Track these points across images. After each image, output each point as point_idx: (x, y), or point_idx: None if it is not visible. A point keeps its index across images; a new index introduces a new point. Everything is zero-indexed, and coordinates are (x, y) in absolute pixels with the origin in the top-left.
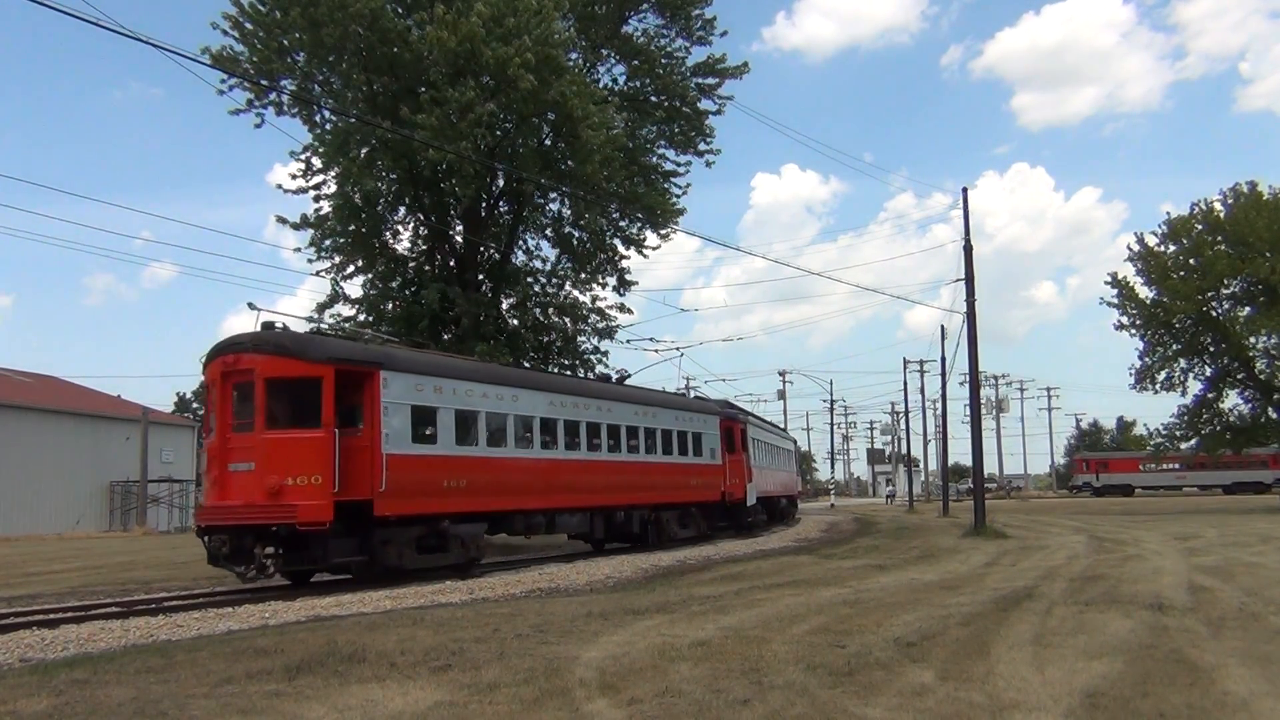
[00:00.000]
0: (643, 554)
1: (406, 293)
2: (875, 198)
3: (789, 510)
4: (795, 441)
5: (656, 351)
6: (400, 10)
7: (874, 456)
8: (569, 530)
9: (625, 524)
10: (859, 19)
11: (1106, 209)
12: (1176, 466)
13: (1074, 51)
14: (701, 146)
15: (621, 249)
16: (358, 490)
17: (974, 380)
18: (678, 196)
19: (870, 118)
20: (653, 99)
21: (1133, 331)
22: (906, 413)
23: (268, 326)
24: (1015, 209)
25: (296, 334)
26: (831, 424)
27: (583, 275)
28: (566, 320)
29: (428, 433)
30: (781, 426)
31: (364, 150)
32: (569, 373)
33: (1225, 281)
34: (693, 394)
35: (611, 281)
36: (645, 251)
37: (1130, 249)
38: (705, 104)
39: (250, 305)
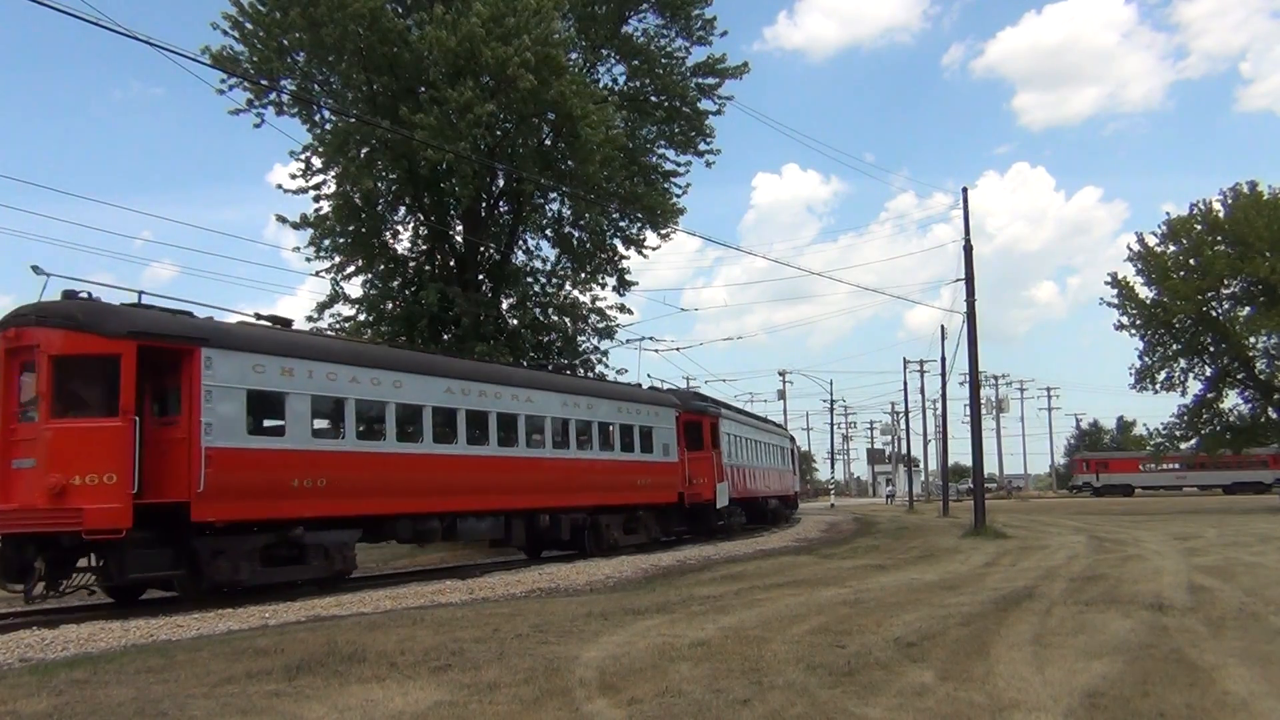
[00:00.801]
0: (642, 554)
1: (406, 293)
2: (876, 197)
3: (782, 512)
4: (793, 439)
5: (656, 351)
6: (400, 10)
7: (874, 456)
8: (477, 536)
9: (553, 529)
10: (860, 18)
11: (1107, 209)
12: (1176, 466)
13: (1075, 51)
14: (701, 146)
15: (621, 249)
16: (171, 491)
17: (974, 380)
18: (678, 196)
19: (872, 117)
20: (653, 99)
21: (1133, 331)
22: (906, 413)
23: (69, 296)
24: (1016, 209)
25: (93, 303)
26: (831, 424)
27: (583, 275)
28: (566, 320)
29: (271, 423)
30: (779, 423)
31: (364, 150)
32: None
33: (1225, 281)
34: (649, 387)
35: (612, 281)
36: (645, 251)
37: (1130, 249)
38: (705, 104)
39: (35, 269)
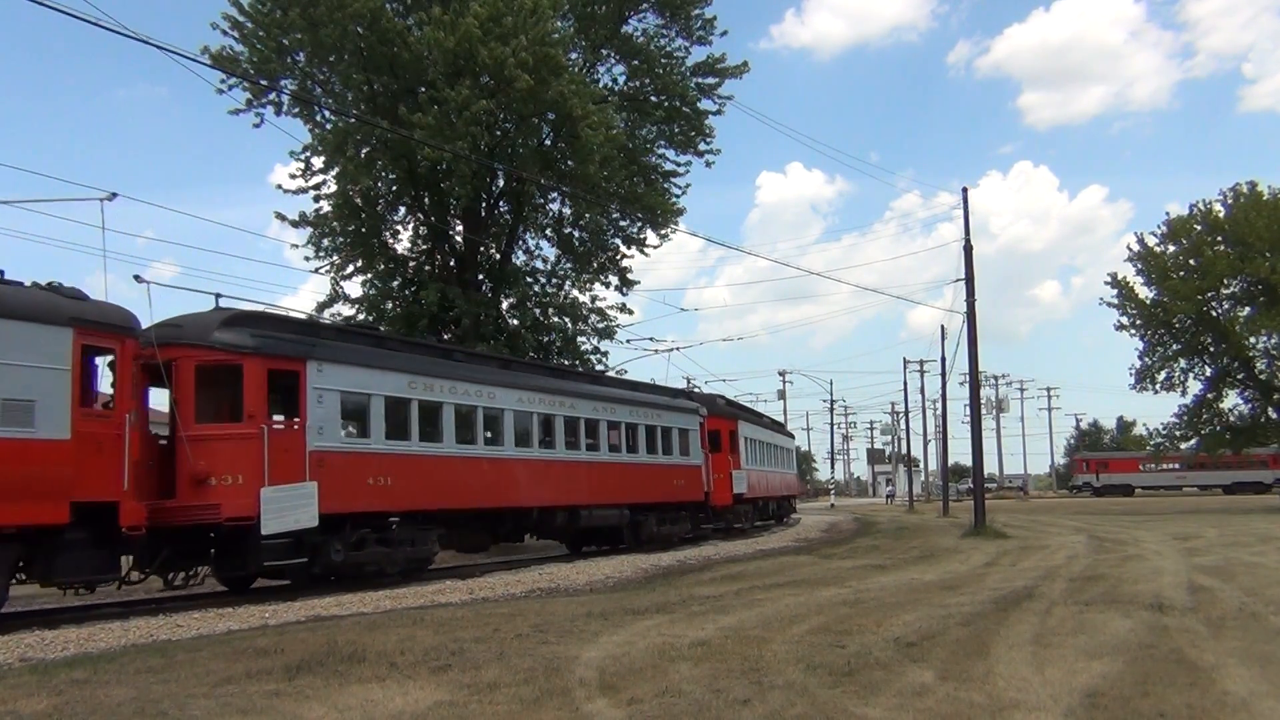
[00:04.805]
0: (642, 554)
1: (406, 293)
2: (880, 197)
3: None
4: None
5: (656, 351)
6: (399, 10)
7: (874, 456)
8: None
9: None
10: (868, 16)
11: (1112, 208)
12: (1176, 466)
13: (1082, 49)
14: (701, 146)
15: (623, 248)
16: None
17: (974, 380)
18: (677, 196)
19: (878, 116)
20: (652, 99)
21: (1133, 332)
22: (906, 413)
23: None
24: (1020, 208)
25: None
26: (831, 424)
27: (584, 275)
28: (567, 320)
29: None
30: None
31: (363, 150)
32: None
33: (1225, 281)
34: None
35: (614, 281)
36: (646, 251)
37: (1130, 249)
38: (705, 104)
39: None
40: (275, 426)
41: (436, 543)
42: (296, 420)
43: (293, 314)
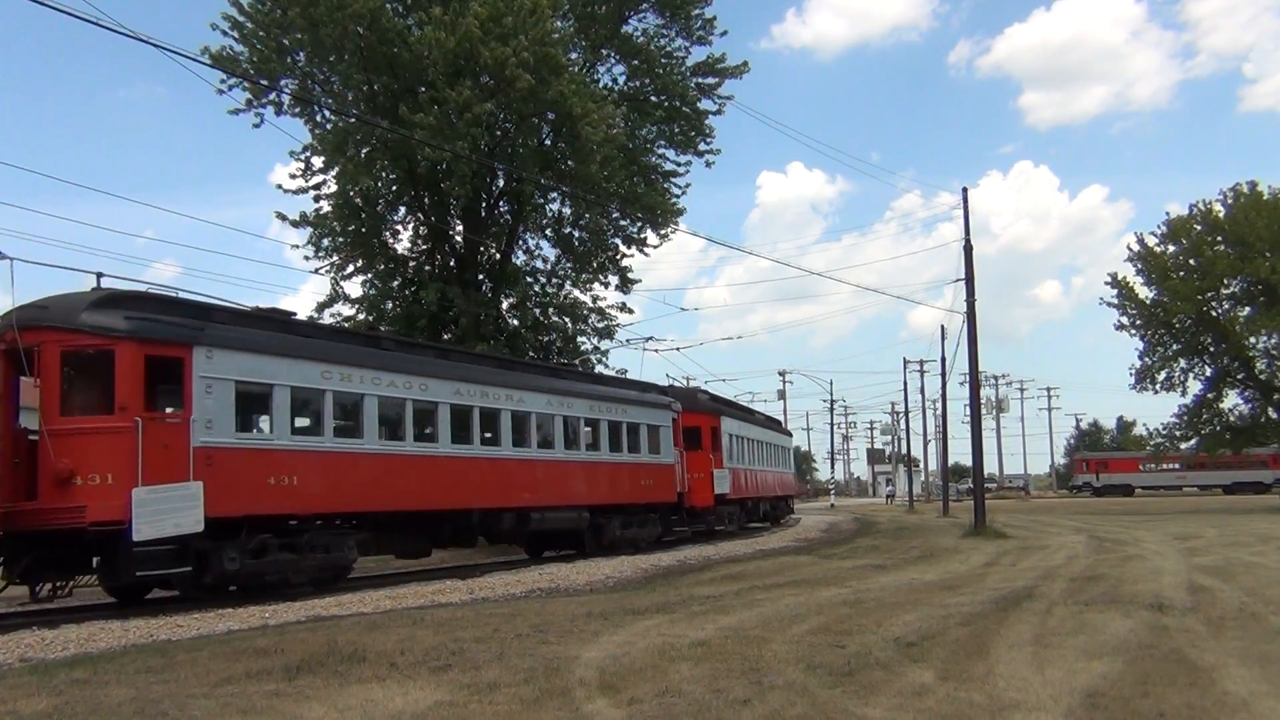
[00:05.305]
0: (642, 554)
1: (406, 293)
2: (881, 197)
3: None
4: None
5: (657, 351)
6: (399, 10)
7: (874, 456)
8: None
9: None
10: (869, 16)
11: (1112, 208)
12: (1176, 466)
13: (1083, 48)
14: (701, 146)
15: (622, 248)
16: None
17: (974, 380)
18: (677, 196)
19: (879, 116)
20: (652, 99)
21: (1133, 332)
22: (906, 413)
23: None
24: (1020, 208)
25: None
26: (831, 424)
27: (584, 275)
28: (567, 320)
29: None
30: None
31: (364, 150)
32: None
33: (1225, 281)
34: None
35: (614, 281)
36: (646, 251)
37: (1130, 249)
38: (705, 104)
39: None
40: (153, 420)
41: (355, 549)
42: (180, 413)
43: (181, 294)
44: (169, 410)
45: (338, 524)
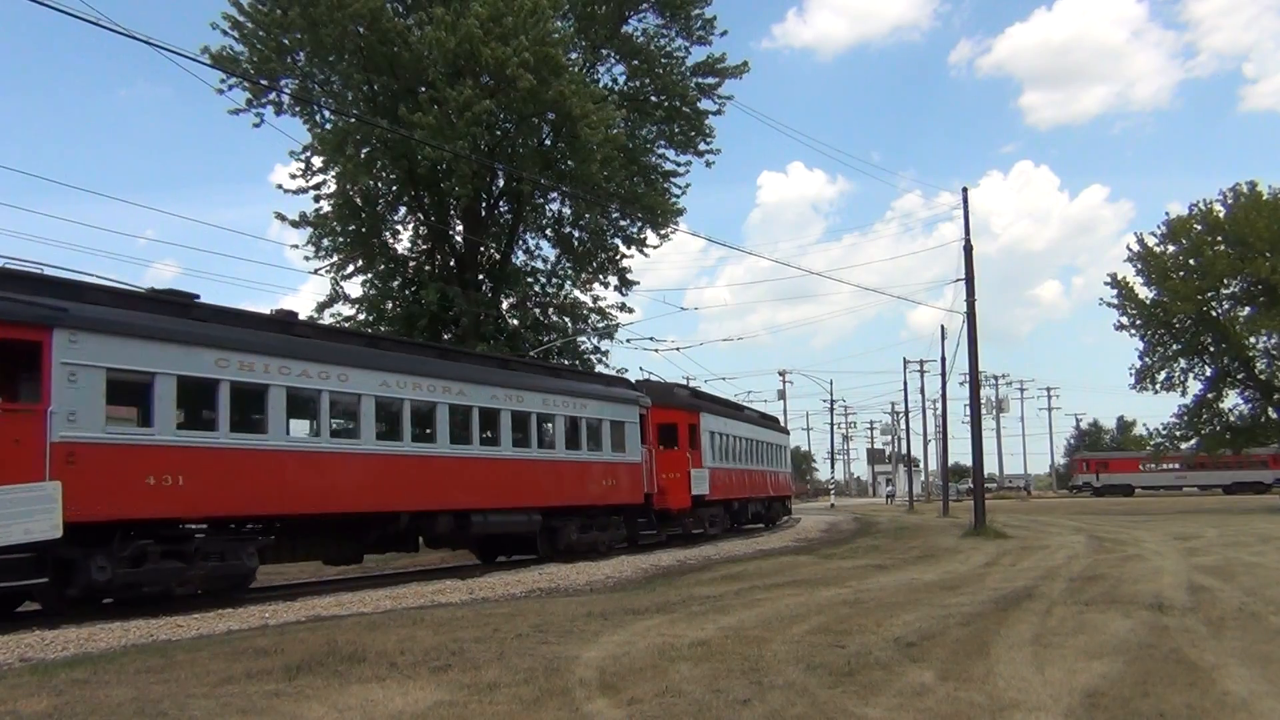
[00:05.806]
0: (643, 554)
1: (406, 293)
2: (881, 196)
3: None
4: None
5: (657, 351)
6: (400, 10)
7: (874, 456)
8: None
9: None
10: (870, 16)
11: (1113, 208)
12: (1176, 466)
13: (1084, 48)
14: (701, 146)
15: (622, 248)
16: None
17: (974, 380)
18: (677, 196)
19: (879, 116)
20: (653, 99)
21: (1133, 332)
22: (906, 413)
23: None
24: (1020, 208)
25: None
26: (831, 424)
27: (584, 275)
28: (567, 320)
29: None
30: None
31: (364, 150)
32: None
33: (1225, 281)
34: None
35: (614, 281)
36: (646, 251)
37: (1130, 249)
38: (705, 104)
39: None
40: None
41: (255, 556)
42: (35, 404)
43: (44, 269)
44: (19, 401)
45: (233, 529)
